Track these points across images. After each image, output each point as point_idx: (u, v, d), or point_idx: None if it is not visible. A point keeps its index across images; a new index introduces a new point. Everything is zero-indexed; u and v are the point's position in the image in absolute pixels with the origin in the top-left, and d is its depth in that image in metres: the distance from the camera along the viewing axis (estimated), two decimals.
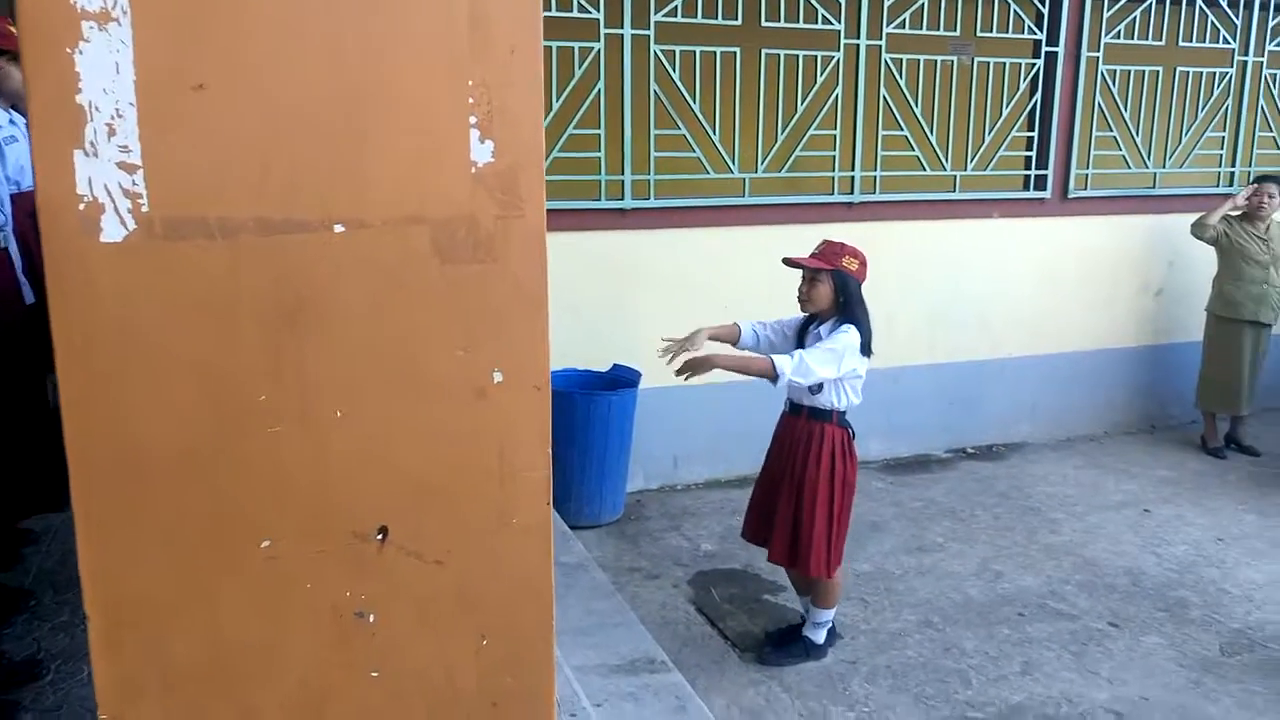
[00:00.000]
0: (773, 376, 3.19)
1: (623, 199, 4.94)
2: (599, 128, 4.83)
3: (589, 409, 4.70)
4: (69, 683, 2.67)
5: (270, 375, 1.12)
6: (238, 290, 1.09)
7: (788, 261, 3.41)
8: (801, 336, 3.50)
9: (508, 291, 1.16)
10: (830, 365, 3.25)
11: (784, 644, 3.69)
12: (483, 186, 1.13)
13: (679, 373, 3.26)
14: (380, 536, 1.19)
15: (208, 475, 1.12)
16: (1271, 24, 6.16)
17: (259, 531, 1.15)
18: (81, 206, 1.04)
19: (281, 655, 1.18)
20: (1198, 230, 5.79)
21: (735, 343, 3.57)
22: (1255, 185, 5.77)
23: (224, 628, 1.16)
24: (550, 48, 4.68)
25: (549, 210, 4.24)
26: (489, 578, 1.23)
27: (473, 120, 1.12)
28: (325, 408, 1.14)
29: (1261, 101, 6.29)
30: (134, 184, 1.03)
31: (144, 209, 1.04)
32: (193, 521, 1.13)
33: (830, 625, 3.71)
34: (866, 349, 3.35)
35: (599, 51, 4.76)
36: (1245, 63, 6.15)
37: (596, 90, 4.80)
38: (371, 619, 1.20)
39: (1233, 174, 6.35)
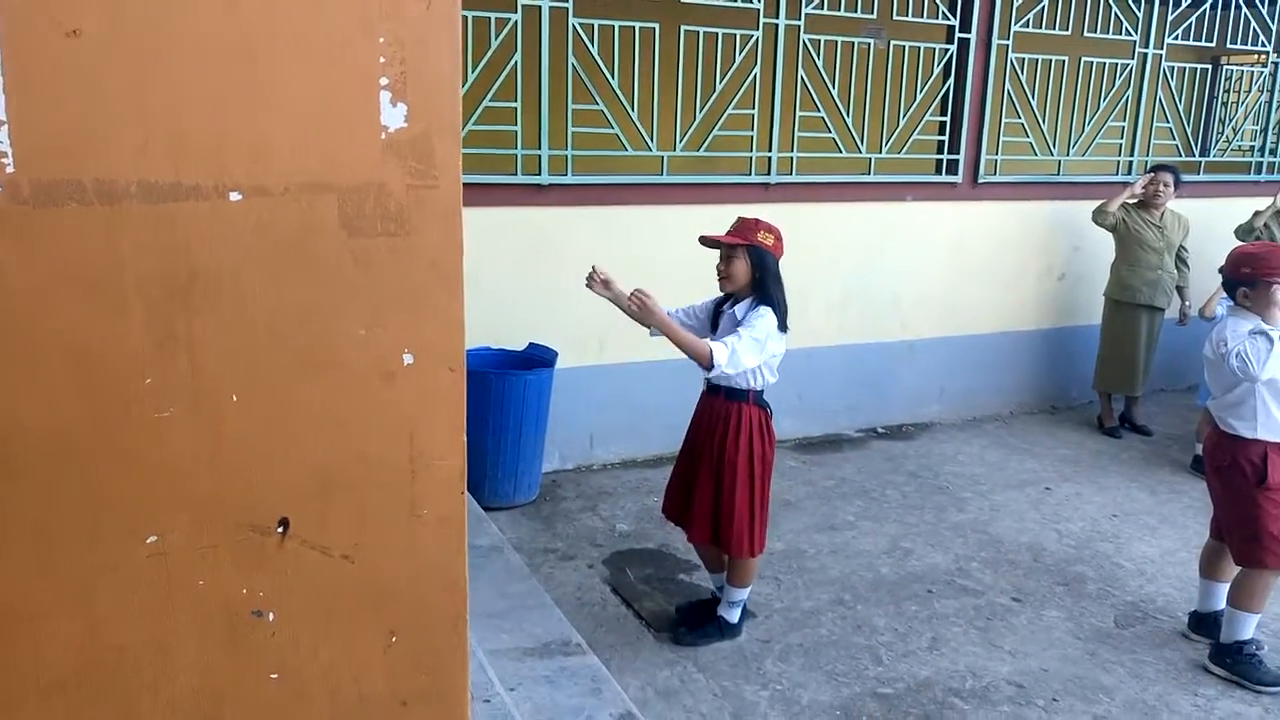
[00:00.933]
0: (708, 365, 3.18)
1: (539, 174, 4.85)
2: (515, 101, 4.72)
3: (504, 389, 4.61)
4: None
5: (157, 356, 1.02)
6: (120, 262, 0.98)
7: (704, 240, 3.39)
8: (715, 318, 3.49)
9: (420, 267, 1.08)
10: (756, 354, 3.26)
11: (699, 624, 3.69)
12: (394, 154, 1.05)
13: (630, 299, 3.20)
14: (281, 529, 1.10)
15: (85, 466, 1.02)
16: (1170, 18, 6.37)
17: (144, 526, 1.05)
18: None
19: (171, 659, 1.09)
20: (1098, 216, 5.98)
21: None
22: (1151, 174, 5.98)
23: (105, 632, 1.06)
24: (466, 18, 4.54)
25: (463, 184, 4.11)
26: (399, 572, 1.16)
27: (384, 81, 1.03)
28: (219, 391, 1.05)
29: (1159, 93, 6.52)
30: None
31: (9, 169, 0.92)
32: (68, 517, 1.02)
33: (744, 604, 3.73)
34: (783, 326, 3.35)
35: (516, 23, 4.64)
36: (1145, 55, 6.35)
37: (513, 62, 4.68)
38: (271, 618, 1.12)
39: (1131, 163, 6.58)
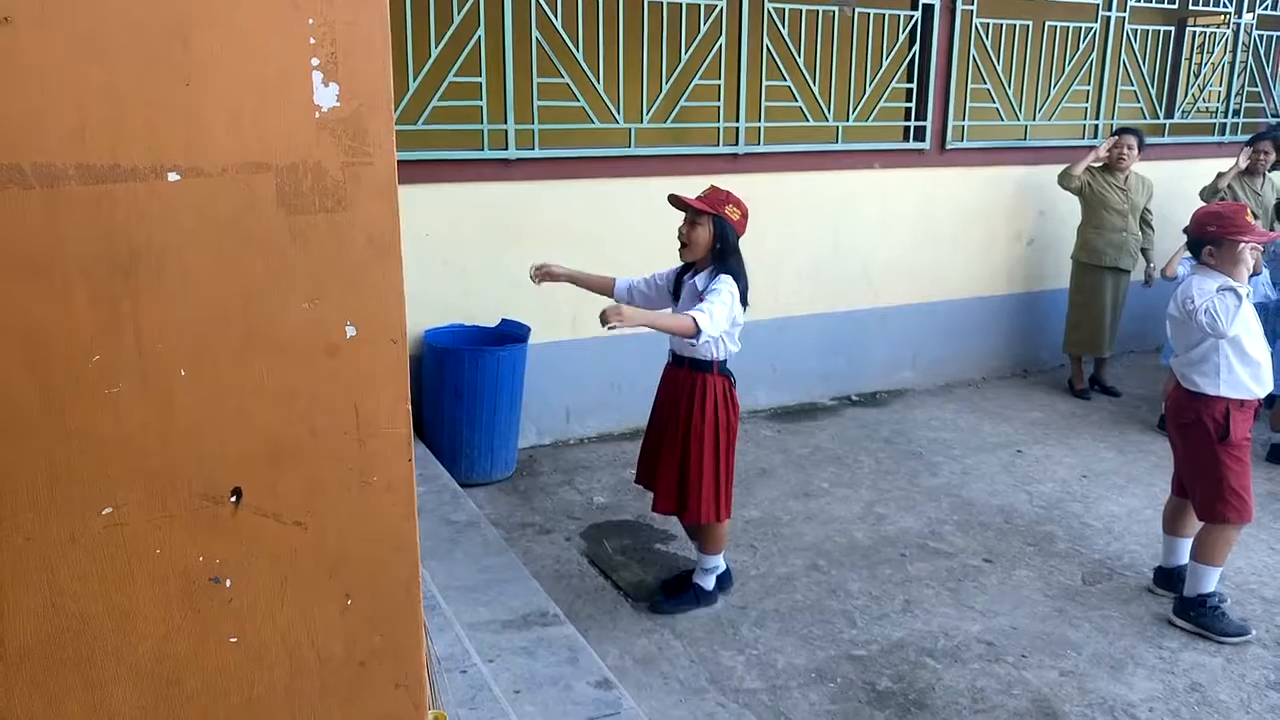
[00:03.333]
0: (694, 333, 3.21)
1: (506, 149, 4.86)
2: (480, 75, 4.73)
3: (477, 365, 4.65)
4: None
5: (104, 335, 1.05)
6: (61, 244, 1.01)
7: (673, 199, 3.43)
8: (677, 287, 3.54)
9: (358, 242, 1.12)
10: (727, 316, 3.32)
11: (675, 592, 3.76)
12: (328, 132, 1.08)
13: (605, 324, 3.24)
14: (234, 499, 1.15)
15: (38, 443, 1.05)
16: None
17: (99, 498, 1.09)
18: None
19: (131, 625, 1.14)
20: (1064, 180, 6.05)
21: (610, 295, 3.66)
22: (1116, 137, 6.04)
23: (67, 601, 1.10)
24: None
25: (429, 161, 4.16)
26: (352, 537, 1.21)
27: (315, 62, 1.06)
28: (167, 367, 1.09)
29: (1124, 56, 6.57)
30: None
31: None
32: (24, 494, 1.06)
33: (723, 571, 3.80)
34: (743, 299, 3.40)
35: None
36: (1108, 18, 6.40)
37: (476, 37, 4.68)
38: (228, 584, 1.16)
39: (1096, 126, 6.64)
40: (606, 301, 3.49)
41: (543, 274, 3.64)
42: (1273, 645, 3.59)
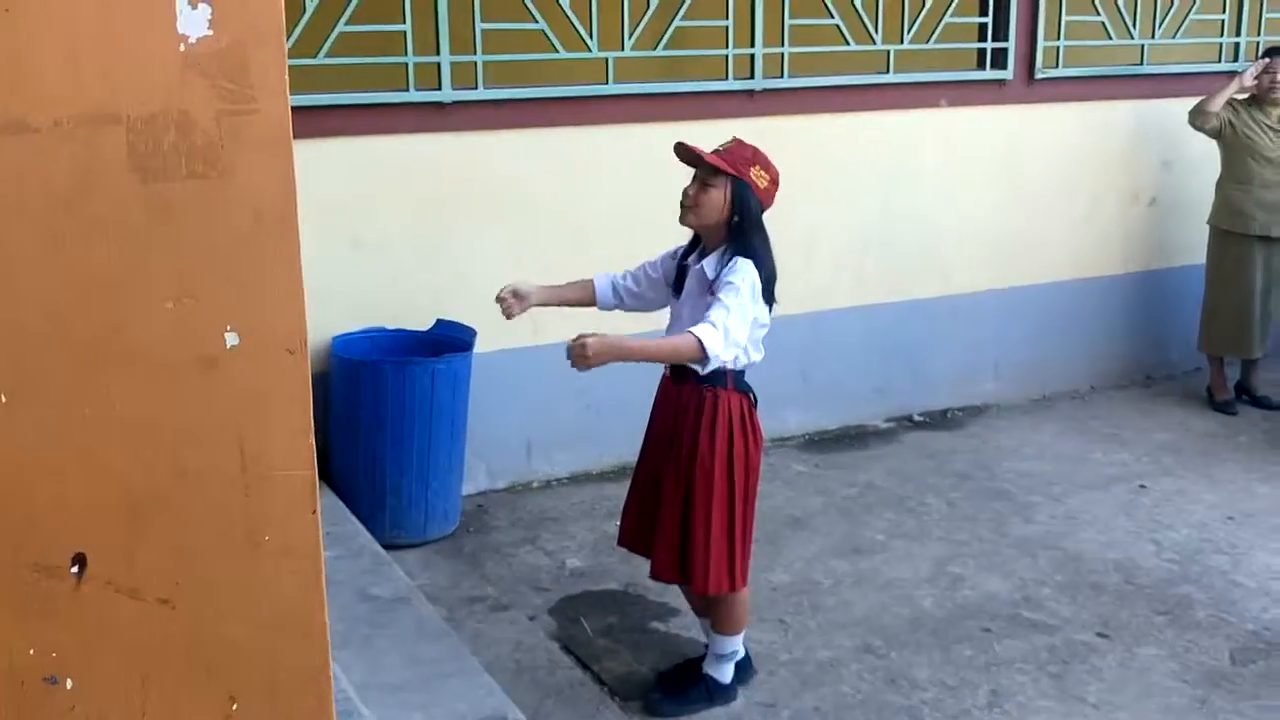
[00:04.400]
0: (703, 358, 3.24)
1: (440, 89, 4.87)
2: None
3: (404, 383, 4.66)
4: None
5: None
6: None
7: (681, 149, 3.43)
8: (679, 276, 3.54)
9: (241, 217, 1.13)
10: (744, 321, 3.33)
11: (680, 687, 3.77)
12: (197, 71, 1.09)
13: (577, 365, 3.27)
14: (75, 569, 1.15)
15: None
16: None
17: None
18: None
19: None
20: (1197, 119, 6.07)
21: (593, 304, 3.67)
22: (1265, 60, 6.07)
23: None
24: None
25: (334, 106, 4.17)
26: (237, 618, 1.21)
27: None
28: None
29: None
30: None
31: None
32: None
33: (741, 657, 3.81)
34: (769, 294, 3.41)
35: None
36: None
37: None
38: (69, 685, 1.17)
39: (1237, 45, 6.68)
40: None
41: (512, 301, 3.57)
42: None
